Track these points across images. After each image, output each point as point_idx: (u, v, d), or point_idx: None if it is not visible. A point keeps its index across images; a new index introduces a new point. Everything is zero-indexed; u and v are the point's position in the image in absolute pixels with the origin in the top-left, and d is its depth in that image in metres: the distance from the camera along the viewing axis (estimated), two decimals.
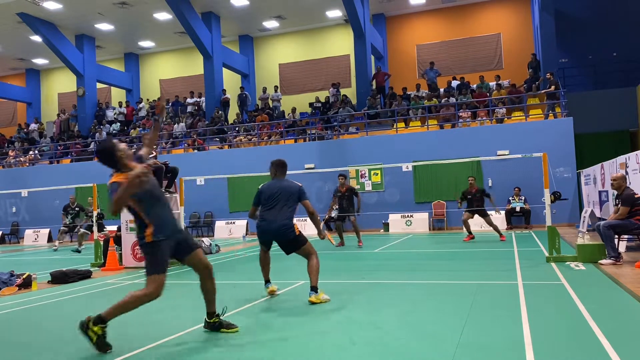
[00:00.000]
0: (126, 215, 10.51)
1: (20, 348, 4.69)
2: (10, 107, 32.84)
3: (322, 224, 6.79)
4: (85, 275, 9.23)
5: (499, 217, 17.10)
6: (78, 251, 15.24)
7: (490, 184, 17.80)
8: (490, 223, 13.17)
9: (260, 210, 6.41)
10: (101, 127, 25.91)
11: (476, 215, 13.16)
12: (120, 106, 27.19)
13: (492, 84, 21.13)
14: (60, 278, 8.82)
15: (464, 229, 13.76)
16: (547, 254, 9.08)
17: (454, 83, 22.03)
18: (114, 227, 12.38)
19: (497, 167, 17.37)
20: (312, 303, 5.95)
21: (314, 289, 6.06)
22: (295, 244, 6.31)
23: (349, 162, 18.67)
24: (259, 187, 6.58)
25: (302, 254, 6.37)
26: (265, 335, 4.67)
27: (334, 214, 17.05)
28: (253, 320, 5.31)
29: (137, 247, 10.15)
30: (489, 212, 13.38)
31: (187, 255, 4.65)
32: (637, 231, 8.40)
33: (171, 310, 6.12)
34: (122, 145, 4.46)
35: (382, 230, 18.12)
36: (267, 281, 6.82)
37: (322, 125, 21.97)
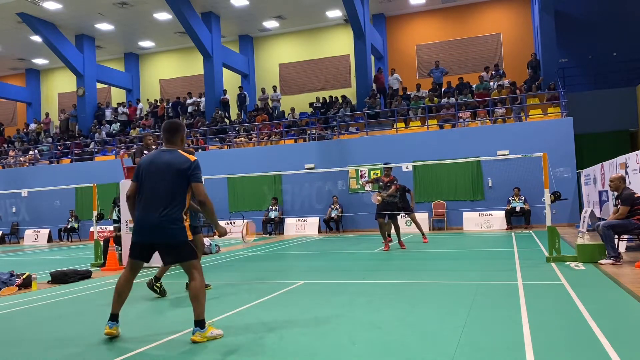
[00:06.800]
0: (126, 215, 10.51)
1: (20, 348, 4.69)
2: (10, 107, 32.85)
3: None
4: (85, 275, 9.22)
5: (499, 217, 17.20)
6: None
7: (490, 184, 17.80)
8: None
9: None
10: (101, 127, 25.91)
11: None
12: (124, 106, 27.20)
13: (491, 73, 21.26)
14: (60, 278, 8.81)
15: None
16: (547, 254, 9.08)
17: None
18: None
19: (497, 167, 17.36)
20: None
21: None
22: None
23: (349, 162, 18.64)
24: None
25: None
26: (266, 335, 4.67)
27: (333, 214, 17.20)
28: (253, 320, 5.31)
29: None
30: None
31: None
32: (637, 231, 8.40)
33: (171, 309, 6.12)
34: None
35: None
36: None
37: (321, 126, 21.97)
